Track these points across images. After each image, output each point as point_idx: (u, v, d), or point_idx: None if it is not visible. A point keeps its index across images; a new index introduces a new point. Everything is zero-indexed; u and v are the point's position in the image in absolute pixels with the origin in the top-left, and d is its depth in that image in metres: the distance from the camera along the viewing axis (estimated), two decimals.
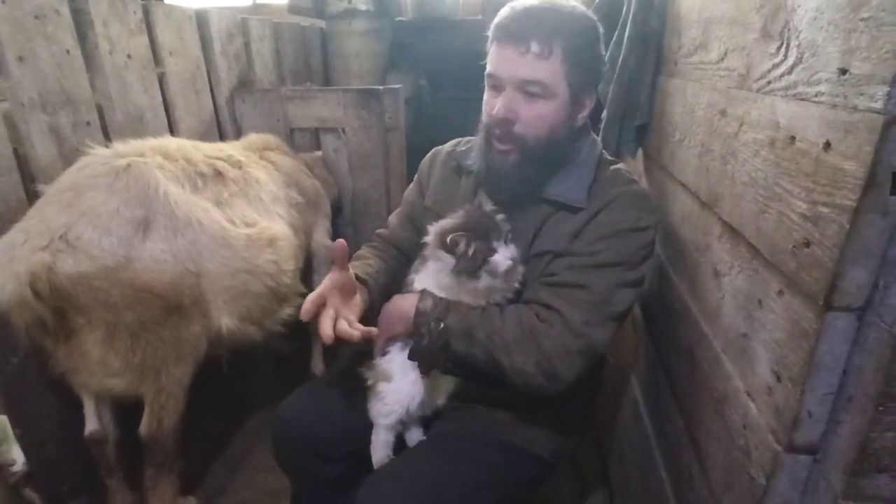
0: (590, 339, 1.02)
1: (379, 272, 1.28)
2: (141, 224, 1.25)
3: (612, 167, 1.18)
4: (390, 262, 1.35)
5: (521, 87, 1.05)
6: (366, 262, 1.30)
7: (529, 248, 1.13)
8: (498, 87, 1.09)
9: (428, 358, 1.10)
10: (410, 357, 1.10)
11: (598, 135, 1.65)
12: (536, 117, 1.06)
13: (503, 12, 1.06)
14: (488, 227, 1.07)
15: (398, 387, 1.13)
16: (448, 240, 1.06)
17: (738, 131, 0.92)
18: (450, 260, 1.07)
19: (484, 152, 1.14)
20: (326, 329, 1.03)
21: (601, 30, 1.11)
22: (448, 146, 1.38)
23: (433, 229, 1.13)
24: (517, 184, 1.13)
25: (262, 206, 1.63)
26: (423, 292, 1.11)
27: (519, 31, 1.03)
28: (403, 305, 1.13)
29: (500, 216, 1.10)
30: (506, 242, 1.07)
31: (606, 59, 1.60)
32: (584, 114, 1.13)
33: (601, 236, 1.06)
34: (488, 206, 1.12)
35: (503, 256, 1.05)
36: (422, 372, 1.12)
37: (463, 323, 1.06)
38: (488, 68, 1.10)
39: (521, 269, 1.12)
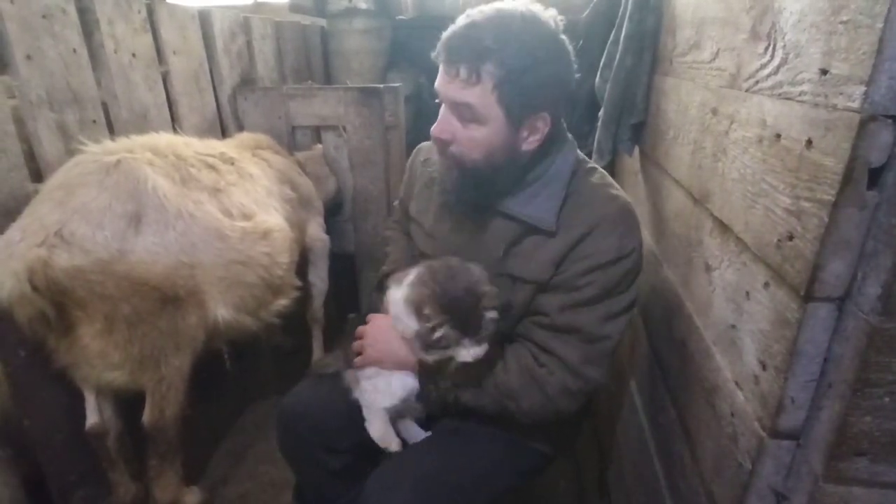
0: (588, 378, 1.05)
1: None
2: (132, 218, 1.28)
3: (591, 179, 1.11)
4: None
5: (454, 108, 1.02)
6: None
7: (500, 264, 1.11)
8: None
9: (436, 409, 1.15)
10: (420, 401, 1.16)
11: (594, 133, 1.68)
12: (470, 140, 1.03)
13: (452, 26, 1.00)
14: (471, 319, 1.00)
15: (385, 391, 1.17)
16: (424, 312, 1.02)
17: (728, 129, 0.95)
18: (413, 323, 1.04)
19: (438, 164, 1.14)
20: None
21: (565, 45, 1.01)
22: (428, 146, 1.34)
23: (414, 283, 1.07)
24: (459, 201, 1.12)
25: (257, 197, 1.66)
26: None
27: (449, 55, 0.98)
28: (399, 354, 1.12)
29: (490, 314, 1.02)
30: (478, 342, 1.01)
31: (604, 57, 1.64)
32: (534, 138, 1.04)
33: (586, 269, 1.02)
34: (486, 290, 1.03)
35: (467, 353, 1.02)
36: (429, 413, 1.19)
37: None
38: None
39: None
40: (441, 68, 1.02)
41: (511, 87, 0.96)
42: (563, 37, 1.01)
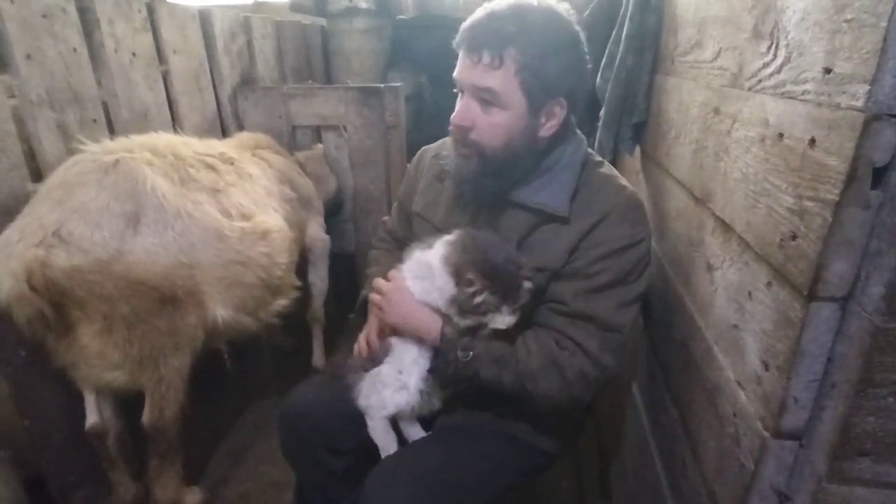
0: (604, 366, 1.06)
1: None
2: (131, 218, 1.28)
3: (600, 171, 1.15)
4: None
5: (476, 94, 1.04)
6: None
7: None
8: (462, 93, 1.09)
9: (452, 383, 1.13)
10: (433, 374, 1.13)
11: (595, 133, 1.68)
12: (491, 126, 1.05)
13: (471, 17, 1.04)
14: (510, 287, 1.03)
15: (395, 390, 1.15)
16: (466, 276, 1.03)
17: (730, 128, 0.95)
18: (449, 287, 1.05)
19: (452, 156, 1.14)
20: None
21: (580, 36, 1.06)
22: (434, 146, 1.37)
23: (453, 244, 1.08)
24: (476, 191, 1.13)
25: (256, 197, 1.66)
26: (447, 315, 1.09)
27: (472, 41, 1.02)
28: (422, 319, 1.12)
29: (527, 284, 1.05)
30: (513, 312, 1.05)
31: (605, 57, 1.64)
32: (551, 124, 1.07)
33: (599, 256, 1.05)
34: (523, 260, 1.06)
35: (502, 320, 1.05)
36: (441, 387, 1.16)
37: (492, 352, 1.08)
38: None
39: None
40: (462, 55, 1.05)
41: (533, 71, 1.00)
42: (578, 27, 1.05)
